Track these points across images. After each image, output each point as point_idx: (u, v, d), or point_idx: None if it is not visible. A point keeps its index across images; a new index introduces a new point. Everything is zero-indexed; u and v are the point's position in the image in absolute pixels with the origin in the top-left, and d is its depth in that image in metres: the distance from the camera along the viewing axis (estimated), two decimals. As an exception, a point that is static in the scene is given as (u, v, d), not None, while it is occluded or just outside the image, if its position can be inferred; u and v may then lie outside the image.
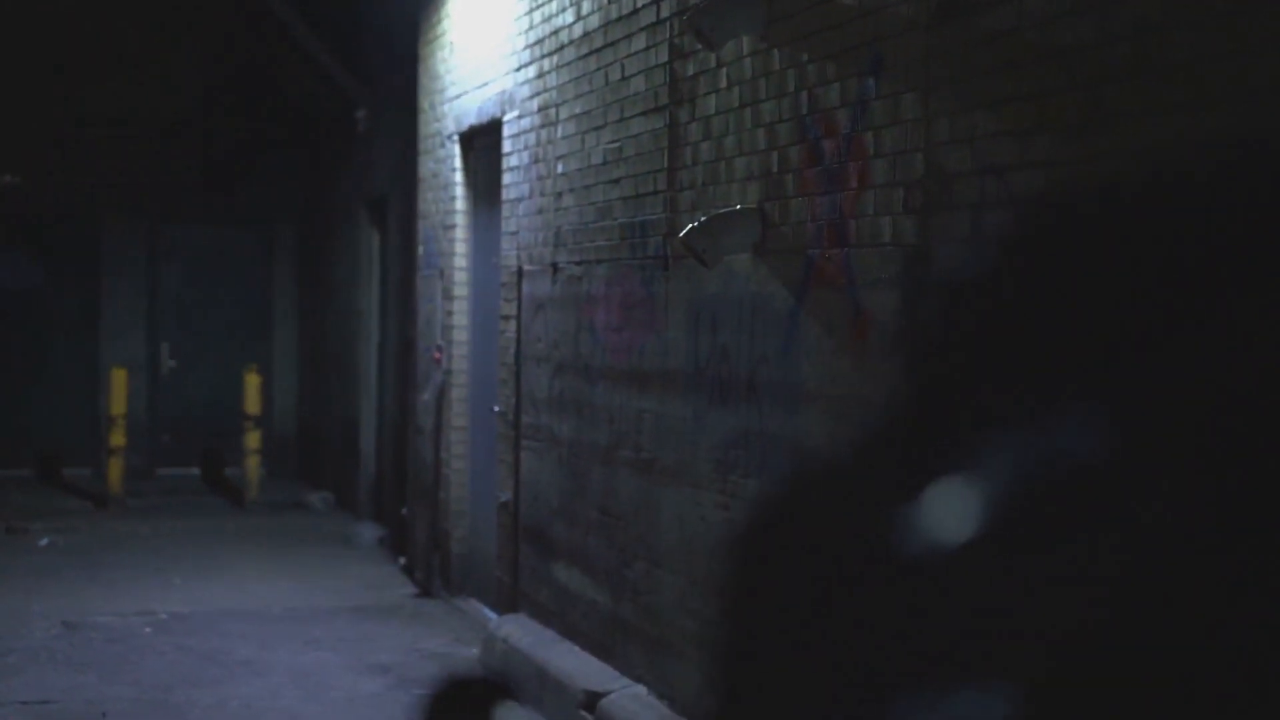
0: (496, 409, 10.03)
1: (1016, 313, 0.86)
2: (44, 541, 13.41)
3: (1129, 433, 0.76)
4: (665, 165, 7.53)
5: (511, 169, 9.77)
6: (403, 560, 12.28)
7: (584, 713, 7.57)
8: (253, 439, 15.82)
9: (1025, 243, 0.89)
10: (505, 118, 9.88)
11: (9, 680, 8.88)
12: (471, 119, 10.70)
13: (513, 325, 9.66)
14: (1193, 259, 0.80)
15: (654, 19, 7.66)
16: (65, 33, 17.29)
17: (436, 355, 11.36)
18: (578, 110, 8.66)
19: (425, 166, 12.04)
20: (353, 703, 8.54)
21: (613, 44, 8.16)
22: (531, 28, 9.39)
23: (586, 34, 8.51)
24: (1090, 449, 0.77)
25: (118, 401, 15.69)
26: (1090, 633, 0.75)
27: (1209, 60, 4.14)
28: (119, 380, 15.74)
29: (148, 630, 10.14)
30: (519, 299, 9.56)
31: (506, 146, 9.85)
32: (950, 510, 0.81)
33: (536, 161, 9.32)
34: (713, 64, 7.01)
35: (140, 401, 17.32)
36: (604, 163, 8.29)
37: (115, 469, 15.59)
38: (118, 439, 15.57)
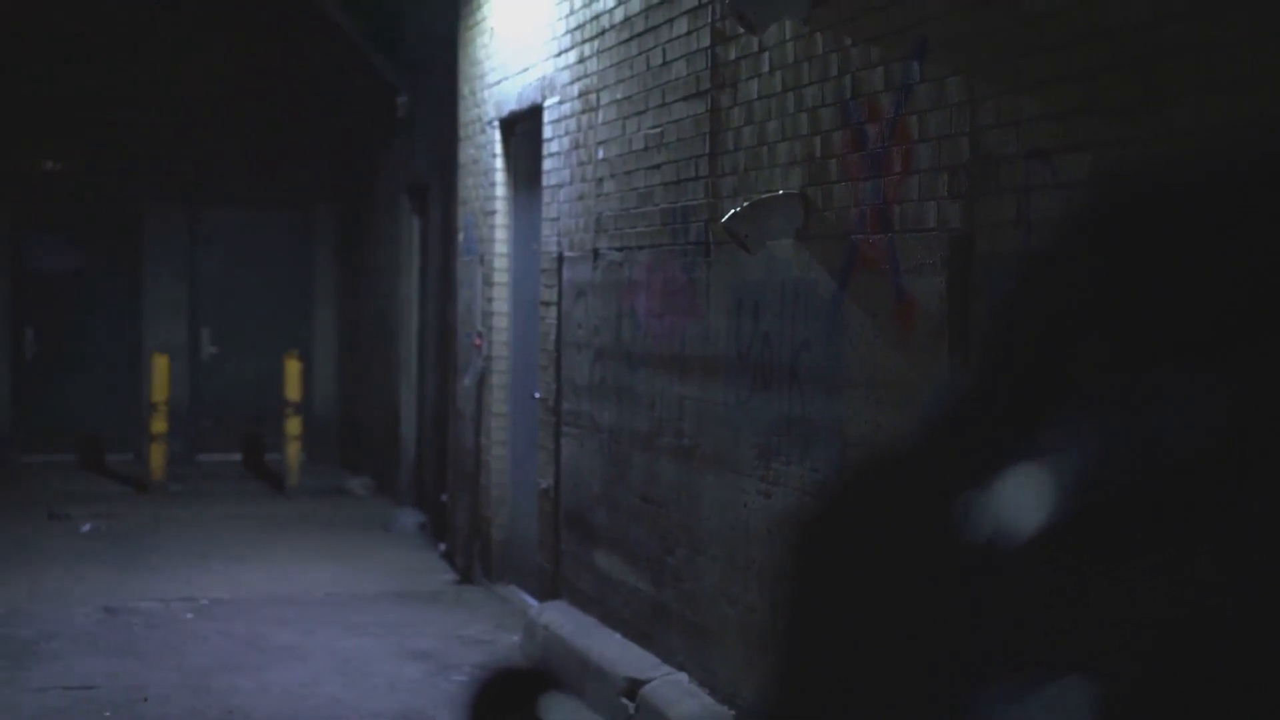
0: (537, 395, 10.00)
1: (1102, 295, 0.82)
2: (86, 527, 13.45)
3: (1230, 419, 0.72)
4: (707, 150, 7.48)
5: (552, 155, 9.73)
6: (443, 546, 12.28)
7: (625, 700, 7.55)
8: (293, 425, 15.85)
9: (1121, 221, 0.84)
10: (546, 103, 9.84)
11: (52, 665, 8.90)
12: (512, 105, 10.67)
13: (553, 311, 9.63)
14: None
15: (696, 3, 7.61)
16: (106, 19, 17.33)
17: (477, 341, 11.34)
18: (619, 95, 8.62)
19: (465, 152, 12.01)
20: (394, 689, 8.54)
21: (654, 28, 8.12)
22: (572, 12, 9.35)
23: (628, 18, 8.47)
24: (1184, 438, 0.73)
25: (159, 387, 15.74)
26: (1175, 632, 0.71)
27: (1265, 38, 4.07)
28: (160, 366, 15.79)
29: (189, 616, 10.16)
30: (560, 285, 9.53)
31: (547, 132, 9.82)
32: (1023, 501, 0.77)
33: (577, 147, 9.28)
34: (755, 48, 6.96)
35: (182, 387, 17.38)
36: (645, 148, 8.24)
37: (157, 454, 15.64)
38: (159, 425, 15.63)
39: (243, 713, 8.03)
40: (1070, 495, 0.77)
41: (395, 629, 9.90)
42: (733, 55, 7.21)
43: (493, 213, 11.17)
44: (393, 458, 15.07)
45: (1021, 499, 0.79)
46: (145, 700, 8.23)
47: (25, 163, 17.49)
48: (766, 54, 6.86)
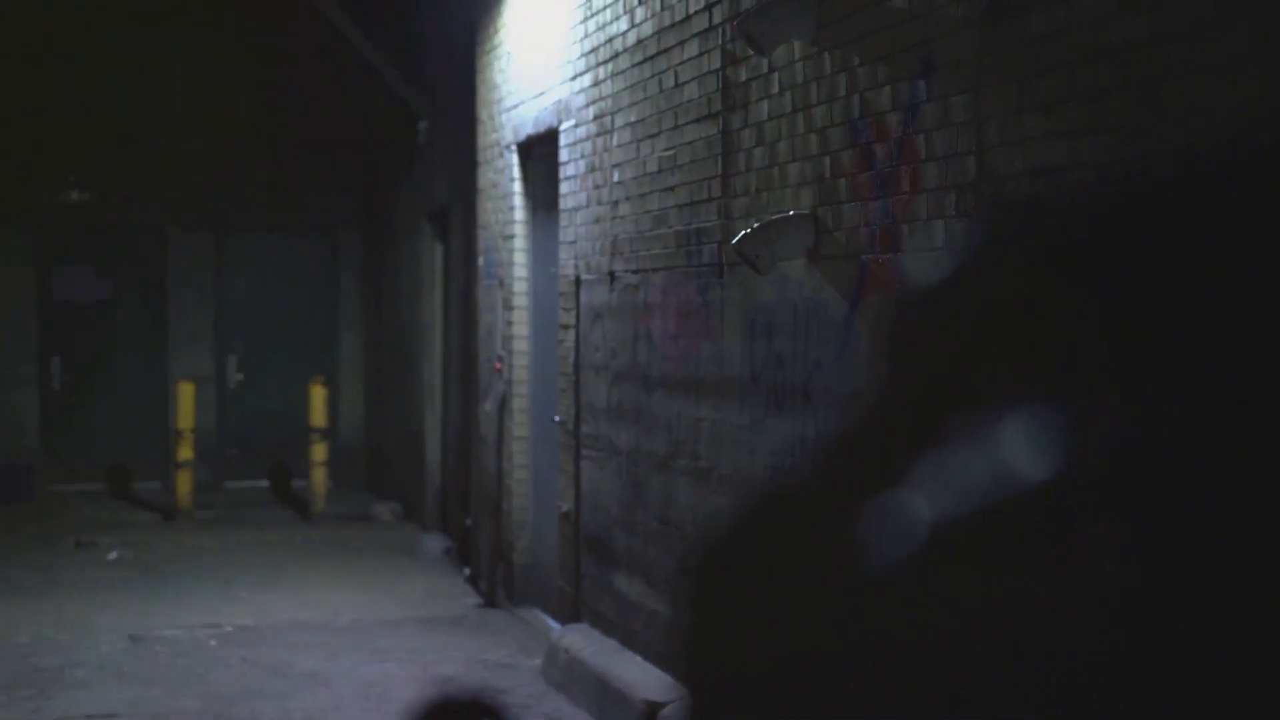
0: (557, 419, 10.01)
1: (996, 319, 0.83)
2: (112, 555, 13.50)
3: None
4: (719, 172, 7.49)
5: (569, 178, 9.76)
6: (468, 571, 12.29)
7: (645, 723, 7.54)
8: (319, 451, 15.88)
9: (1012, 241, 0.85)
10: (562, 127, 9.87)
11: (75, 694, 8.93)
12: (529, 129, 10.70)
13: (571, 335, 9.65)
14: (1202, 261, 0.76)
15: (706, 25, 7.63)
16: (129, 48, 17.44)
17: (497, 365, 11.36)
18: (633, 118, 8.64)
19: (484, 177, 12.05)
20: (415, 714, 8.53)
21: (666, 51, 8.14)
22: (586, 36, 9.38)
23: (640, 41, 8.49)
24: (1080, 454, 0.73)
25: (184, 415, 15.80)
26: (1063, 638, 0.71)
27: (1266, 58, 4.06)
28: (186, 394, 15.85)
29: (213, 643, 10.19)
30: (577, 308, 9.54)
31: (563, 156, 9.84)
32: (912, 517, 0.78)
33: (593, 170, 9.30)
34: (765, 69, 6.97)
35: (208, 415, 17.44)
36: (659, 170, 8.26)
37: (183, 482, 15.69)
38: (185, 452, 15.68)
39: (264, 740, 8.05)
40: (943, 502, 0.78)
41: (419, 654, 9.90)
42: (743, 77, 7.22)
43: (511, 236, 11.19)
44: (418, 483, 15.09)
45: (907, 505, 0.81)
46: (168, 728, 8.25)
47: (51, 194, 17.59)
48: (776, 75, 6.87)
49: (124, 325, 18.02)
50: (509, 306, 11.20)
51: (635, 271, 8.60)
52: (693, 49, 7.79)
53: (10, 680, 9.22)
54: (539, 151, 10.80)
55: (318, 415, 15.92)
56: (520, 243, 11.14)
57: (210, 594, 11.82)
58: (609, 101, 9.02)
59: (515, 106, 11.07)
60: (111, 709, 8.61)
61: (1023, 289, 0.82)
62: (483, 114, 12.10)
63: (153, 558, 13.46)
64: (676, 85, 8.01)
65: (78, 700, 8.80)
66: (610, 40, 8.96)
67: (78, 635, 10.38)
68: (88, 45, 17.32)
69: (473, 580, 12.06)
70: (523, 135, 10.88)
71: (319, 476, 15.92)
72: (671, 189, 8.08)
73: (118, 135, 17.53)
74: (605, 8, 9.04)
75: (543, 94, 10.32)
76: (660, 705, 7.53)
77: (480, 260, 12.11)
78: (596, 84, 9.23)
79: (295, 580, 12.44)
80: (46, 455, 17.48)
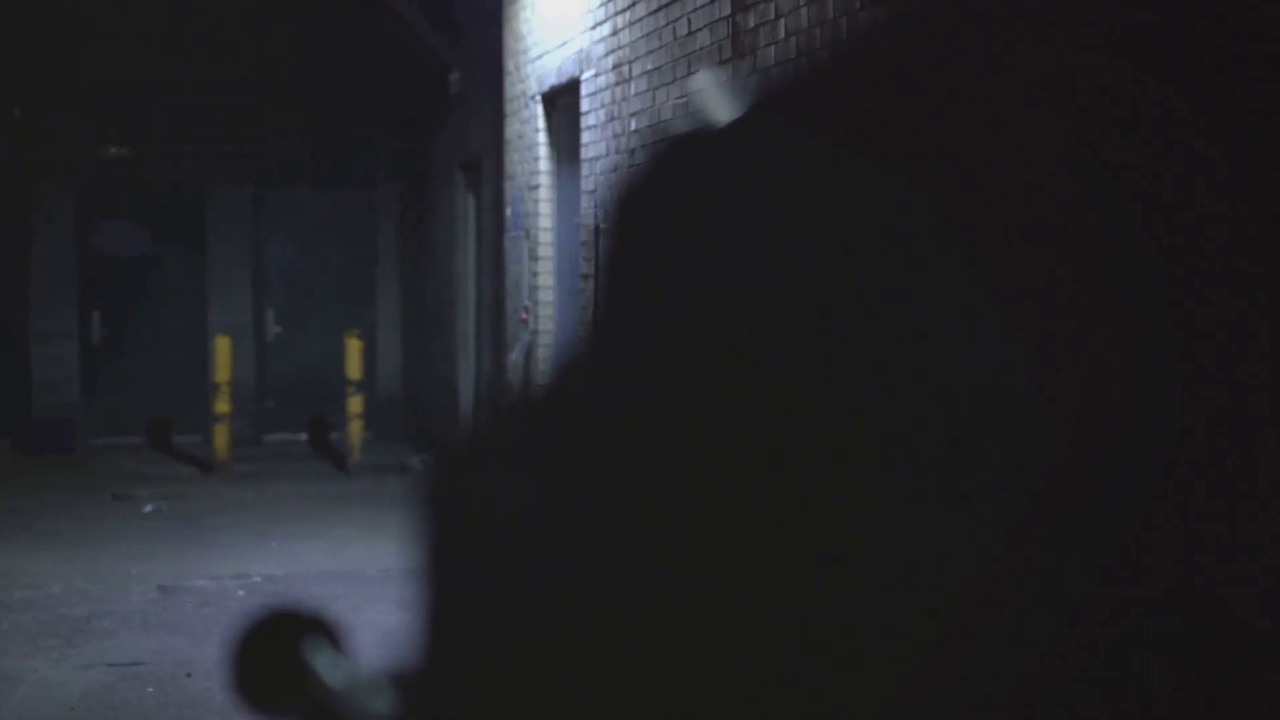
0: (579, 368, 10.02)
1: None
2: (149, 508, 13.61)
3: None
4: (730, 119, 7.45)
5: (589, 127, 9.74)
6: (497, 521, 12.33)
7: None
8: (355, 403, 15.95)
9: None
10: (583, 76, 9.84)
11: (101, 643, 9.02)
12: (552, 79, 10.67)
13: (591, 284, 9.64)
14: None
15: (717, -29, 7.59)
16: (167, 3, 17.48)
17: (523, 315, 11.37)
18: (649, 66, 8.61)
19: (511, 128, 12.03)
20: (435, 663, 8.59)
21: (679, -2, 8.10)
22: (605, -16, 9.35)
23: (655, -11, 8.46)
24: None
25: (222, 368, 15.88)
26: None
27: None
28: (223, 347, 15.93)
29: (240, 593, 10.26)
30: (596, 257, 9.54)
31: (584, 105, 9.82)
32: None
33: (612, 119, 9.27)
34: (771, 15, 6.93)
35: (247, 368, 17.53)
36: (673, 118, 8.23)
37: (221, 435, 15.79)
38: (223, 406, 15.77)
39: (283, 688, 8.11)
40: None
41: (443, 603, 9.95)
42: (751, 23, 7.18)
43: (537, 187, 11.18)
44: (452, 434, 15.13)
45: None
46: (189, 676, 8.32)
47: (90, 149, 17.68)
48: (782, 21, 6.83)
49: (163, 280, 18.11)
50: (535, 257, 11.20)
51: (651, 220, 8.58)
52: (704, -5, 7.76)
53: (38, 630, 9.32)
54: (563, 101, 10.78)
55: (353, 368, 15.98)
56: (545, 193, 11.14)
57: (243, 545, 11.90)
58: (627, 50, 8.99)
59: (540, 57, 11.04)
60: (135, 658, 8.69)
61: None
62: (509, 64, 12.08)
63: (189, 510, 13.56)
64: (689, 33, 7.98)
65: (104, 649, 8.88)
66: (627, -12, 8.93)
67: (109, 586, 10.47)
68: (124, 4, 17.36)
69: (502, 531, 12.10)
70: (547, 85, 10.86)
71: (355, 429, 15.99)
72: (685, 137, 8.05)
73: (156, 91, 17.59)
74: (622, -45, 9.01)
75: (565, 44, 10.29)
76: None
77: (508, 211, 12.11)
78: (615, 33, 9.20)
79: (327, 531, 12.51)
80: (86, 409, 17.63)
